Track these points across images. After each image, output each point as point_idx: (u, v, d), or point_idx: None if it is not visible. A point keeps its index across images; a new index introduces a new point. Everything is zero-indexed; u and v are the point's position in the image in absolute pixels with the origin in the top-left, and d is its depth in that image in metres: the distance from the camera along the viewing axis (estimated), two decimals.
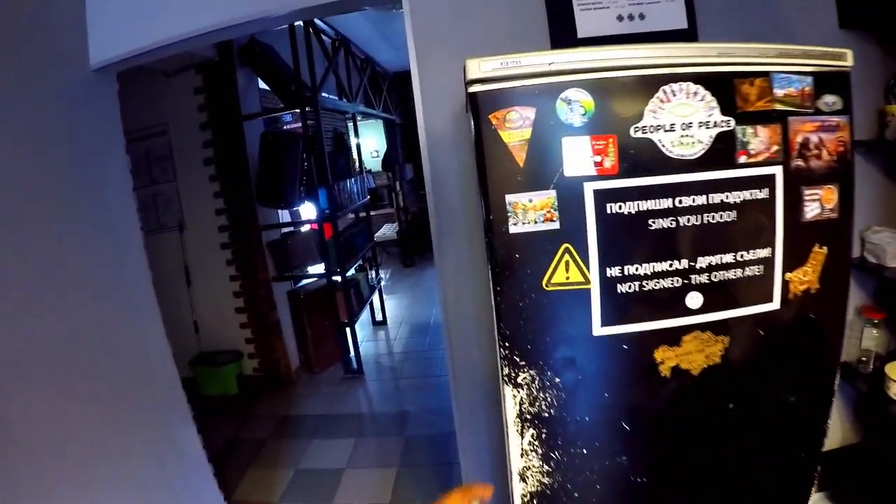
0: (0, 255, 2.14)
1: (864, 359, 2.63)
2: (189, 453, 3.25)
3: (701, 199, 1.56)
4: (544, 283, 1.55)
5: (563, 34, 2.46)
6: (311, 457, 4.54)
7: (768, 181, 1.58)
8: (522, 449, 1.62)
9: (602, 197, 1.54)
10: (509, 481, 1.68)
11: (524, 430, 1.64)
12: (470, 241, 2.60)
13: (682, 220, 1.56)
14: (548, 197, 1.52)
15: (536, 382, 1.59)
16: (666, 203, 1.54)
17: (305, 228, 6.45)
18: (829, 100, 1.58)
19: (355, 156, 8.22)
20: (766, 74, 1.55)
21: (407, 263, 10.76)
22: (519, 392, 1.57)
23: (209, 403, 5.60)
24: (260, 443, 4.81)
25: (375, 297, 7.49)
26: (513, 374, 1.58)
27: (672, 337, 1.62)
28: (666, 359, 1.60)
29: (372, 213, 8.86)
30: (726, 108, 1.54)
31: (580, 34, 2.47)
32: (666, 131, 1.52)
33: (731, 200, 1.57)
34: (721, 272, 1.60)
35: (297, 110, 5.57)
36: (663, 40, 2.41)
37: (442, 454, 4.22)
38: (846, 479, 2.76)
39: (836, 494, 2.81)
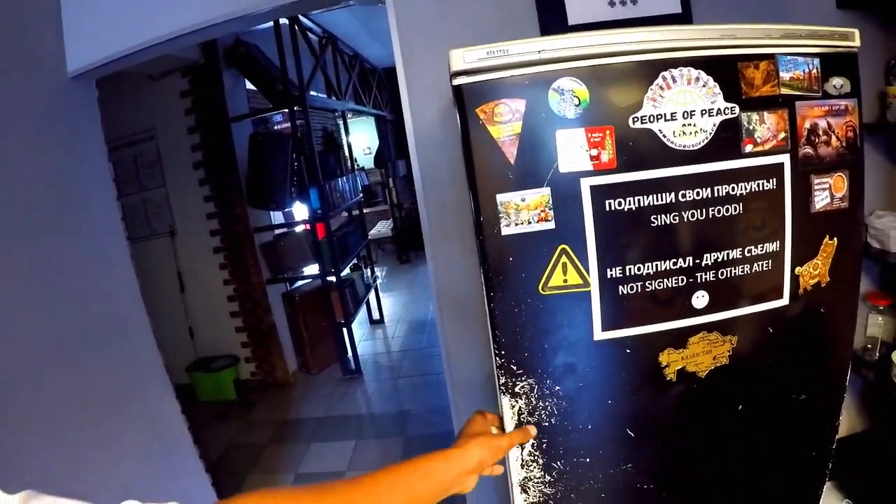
0: None
1: (869, 346, 2.58)
2: (185, 465, 3.20)
3: (705, 192, 1.45)
4: (541, 287, 1.45)
5: (552, 21, 2.39)
6: (311, 460, 4.51)
7: (776, 171, 1.48)
8: (523, 460, 1.56)
9: (600, 193, 1.42)
10: (510, 492, 1.62)
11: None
12: (462, 239, 2.54)
13: (686, 215, 1.45)
14: (541, 195, 1.41)
15: (535, 391, 1.51)
16: (668, 197, 1.44)
17: (299, 229, 6.39)
18: (837, 82, 1.50)
19: (346, 154, 8.16)
20: (771, 57, 1.45)
21: (403, 260, 10.74)
22: (517, 402, 1.49)
23: (207, 410, 5.58)
24: (259, 448, 4.77)
25: (372, 296, 7.46)
26: (510, 384, 1.50)
27: (678, 339, 1.53)
28: (671, 362, 1.51)
29: (366, 210, 8.83)
30: (730, 95, 1.43)
31: (571, 21, 2.40)
32: (667, 121, 1.41)
33: (737, 193, 1.47)
34: (728, 269, 1.50)
35: (286, 110, 5.51)
36: (656, 24, 2.36)
37: None
38: (853, 467, 2.71)
39: (844, 483, 2.77)
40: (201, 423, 5.07)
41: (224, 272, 5.77)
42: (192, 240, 5.72)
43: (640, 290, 1.48)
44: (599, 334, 1.51)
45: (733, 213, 1.48)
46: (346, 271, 6.31)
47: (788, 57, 1.45)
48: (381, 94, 9.70)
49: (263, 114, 6.07)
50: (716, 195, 1.46)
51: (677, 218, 1.45)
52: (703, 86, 1.41)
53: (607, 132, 1.41)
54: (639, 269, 1.48)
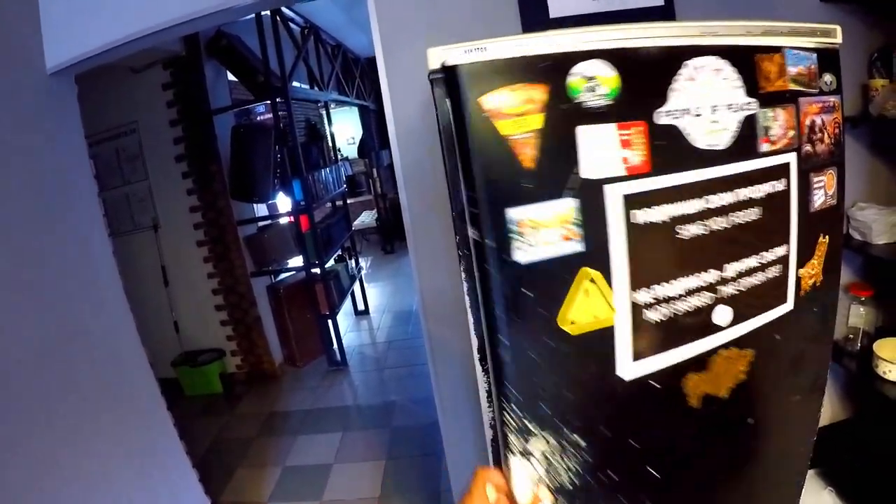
0: None
1: (851, 336, 2.61)
2: (171, 461, 3.19)
3: (728, 197, 1.31)
4: (563, 323, 1.23)
5: (534, 14, 2.38)
6: (298, 453, 4.51)
7: (785, 170, 1.40)
8: None
9: (632, 202, 1.22)
10: None
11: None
12: (446, 235, 2.53)
13: (712, 224, 1.30)
14: (566, 208, 1.19)
15: (554, 448, 1.30)
16: (698, 204, 1.28)
17: (283, 221, 6.38)
18: (828, 79, 1.49)
19: (330, 144, 8.13)
20: (779, 50, 1.39)
21: (387, 250, 10.74)
22: (531, 461, 1.32)
23: (193, 404, 5.58)
24: (246, 442, 4.77)
25: (357, 287, 7.48)
26: (521, 442, 1.29)
27: (700, 361, 1.39)
28: (694, 387, 1.41)
29: (350, 200, 8.81)
30: (749, 89, 1.32)
31: (552, 14, 2.39)
32: (694, 116, 1.27)
33: (757, 196, 1.35)
34: (747, 279, 1.39)
35: (268, 102, 5.49)
36: (639, 18, 2.36)
37: (429, 444, 4.19)
38: (836, 456, 2.74)
39: (827, 471, 2.80)
40: (188, 418, 5.05)
41: (208, 265, 5.75)
42: (176, 233, 5.70)
43: (669, 314, 1.32)
44: (627, 371, 1.32)
45: (752, 217, 1.37)
46: (331, 263, 6.30)
47: (794, 51, 1.40)
48: (365, 84, 9.67)
49: (246, 105, 6.03)
50: (738, 199, 1.34)
51: (704, 227, 1.31)
52: (725, 78, 1.32)
53: (640, 129, 1.24)
54: (667, 289, 1.31)
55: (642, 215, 1.23)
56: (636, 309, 1.27)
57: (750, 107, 1.34)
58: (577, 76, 1.21)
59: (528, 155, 1.17)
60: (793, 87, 1.41)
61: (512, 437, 1.30)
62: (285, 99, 5.34)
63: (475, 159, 1.19)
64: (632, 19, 2.32)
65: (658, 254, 1.28)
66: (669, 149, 1.25)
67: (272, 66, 5.35)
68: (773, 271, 1.43)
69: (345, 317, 7.34)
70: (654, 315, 1.29)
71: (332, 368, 6.02)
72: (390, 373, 5.81)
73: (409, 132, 2.50)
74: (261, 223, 6.25)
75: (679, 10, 2.39)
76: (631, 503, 1.43)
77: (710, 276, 1.34)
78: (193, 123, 5.43)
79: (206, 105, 5.41)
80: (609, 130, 1.20)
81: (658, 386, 1.34)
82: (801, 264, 1.48)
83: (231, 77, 5.88)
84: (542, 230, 1.19)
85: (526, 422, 1.28)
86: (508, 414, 1.29)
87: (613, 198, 1.21)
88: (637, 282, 1.26)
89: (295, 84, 5.79)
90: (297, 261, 6.21)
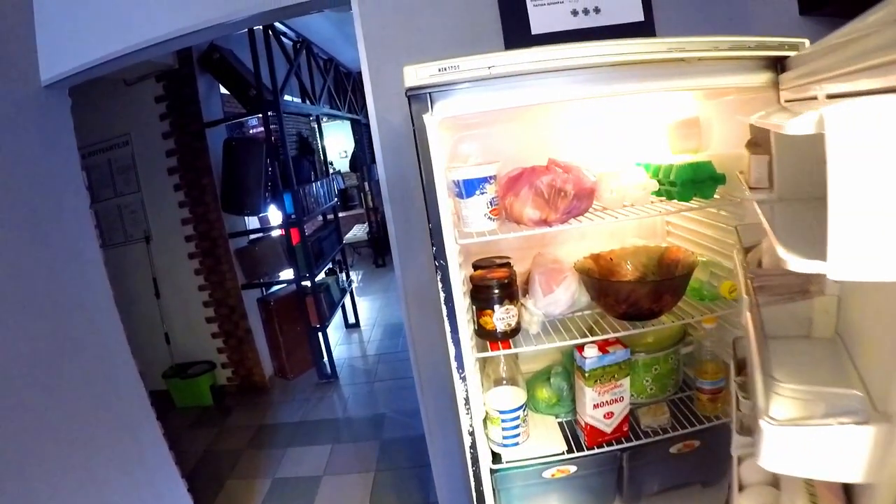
0: None
1: None
2: (161, 472, 3.20)
3: None
4: None
5: (516, 32, 2.43)
6: (288, 465, 4.51)
7: None
8: None
9: None
10: None
11: None
12: (429, 248, 2.57)
13: None
14: None
15: None
16: None
17: (274, 234, 6.38)
18: None
19: (321, 158, 8.16)
20: None
21: (378, 264, 10.72)
22: None
23: (184, 416, 5.56)
24: (236, 453, 4.76)
25: (347, 300, 7.45)
26: None
27: None
28: None
29: (342, 213, 8.83)
30: None
31: (534, 31, 2.43)
32: None
33: None
34: None
35: (260, 115, 5.52)
36: (619, 34, 2.41)
37: (418, 456, 4.19)
38: None
39: None
40: (179, 430, 5.07)
41: (199, 278, 5.75)
42: (168, 245, 5.69)
43: None
44: None
45: None
46: (322, 276, 6.32)
47: None
48: (357, 97, 9.68)
49: (238, 119, 6.06)
50: None
51: None
52: None
53: None
54: None
55: None
56: None
57: None
58: None
59: None
60: None
61: None
62: (277, 112, 5.36)
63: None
64: (612, 35, 2.37)
65: None
66: None
67: (264, 80, 5.38)
68: None
69: (335, 330, 7.32)
70: None
71: (322, 381, 6.00)
72: (380, 385, 5.80)
73: (394, 147, 2.54)
74: (252, 236, 6.22)
75: (659, 26, 2.44)
76: None
77: None
78: (186, 136, 5.44)
79: (199, 118, 5.41)
80: None
81: None
82: None
83: (223, 90, 5.90)
84: None
85: None
86: None
87: None
88: None
89: (287, 98, 5.82)
90: (287, 274, 6.18)
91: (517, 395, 2.04)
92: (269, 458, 4.64)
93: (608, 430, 2.07)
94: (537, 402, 2.31)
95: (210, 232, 5.63)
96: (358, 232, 11.00)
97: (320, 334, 5.93)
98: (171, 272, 5.76)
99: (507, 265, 2.01)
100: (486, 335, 1.96)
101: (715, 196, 1.97)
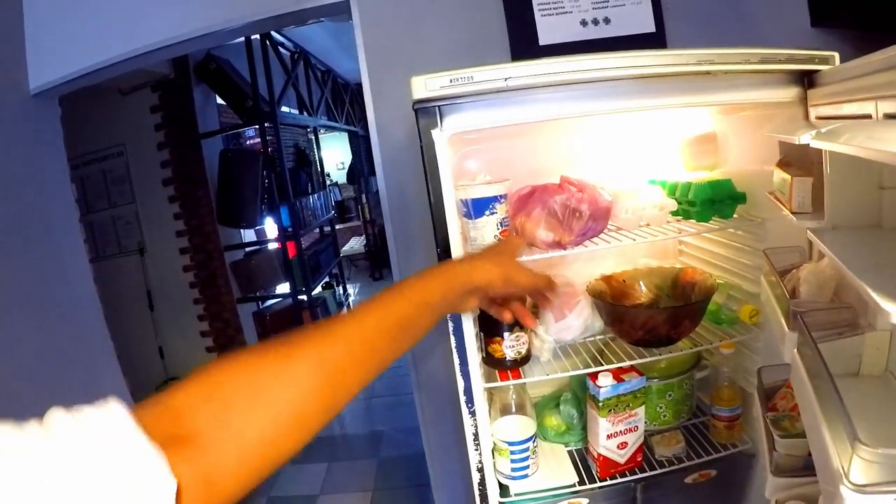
0: None
1: None
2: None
3: None
4: None
5: (523, 42, 2.36)
6: (283, 484, 4.44)
7: None
8: None
9: None
10: None
11: None
12: (428, 257, 2.50)
13: None
14: None
15: None
16: None
17: (270, 247, 6.32)
18: None
19: (318, 170, 8.10)
20: None
21: (375, 277, 10.68)
22: None
23: None
24: None
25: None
26: None
27: None
28: None
29: (339, 226, 8.77)
30: None
31: (542, 41, 2.36)
32: None
33: None
34: None
35: (257, 126, 5.45)
36: (630, 45, 2.32)
37: (416, 475, 4.11)
38: None
39: None
40: None
41: (194, 291, 5.66)
42: (162, 257, 5.60)
43: None
44: None
45: None
46: (318, 289, 6.25)
47: None
48: (354, 109, 9.64)
49: (234, 130, 5.99)
50: None
51: None
52: None
53: None
54: None
55: None
56: None
57: None
58: None
59: None
60: None
61: None
62: (274, 124, 5.32)
63: None
64: (622, 46, 2.29)
65: None
66: None
67: (261, 91, 5.33)
68: None
69: None
70: None
71: None
72: (378, 402, 5.74)
73: (395, 160, 2.48)
74: (248, 249, 6.18)
75: (670, 38, 2.36)
76: None
77: None
78: (181, 147, 5.36)
79: (195, 128, 5.35)
80: None
81: None
82: None
83: (220, 101, 5.84)
84: None
85: None
86: None
87: None
88: None
89: (284, 109, 5.77)
90: (284, 287, 6.13)
91: (526, 426, 1.94)
92: None
93: (622, 460, 1.97)
94: (546, 430, 2.21)
95: (205, 244, 5.55)
96: (355, 244, 10.97)
97: None
98: (166, 285, 5.66)
99: None
100: (494, 364, 1.86)
101: (734, 216, 1.88)
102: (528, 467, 1.95)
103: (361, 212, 10.90)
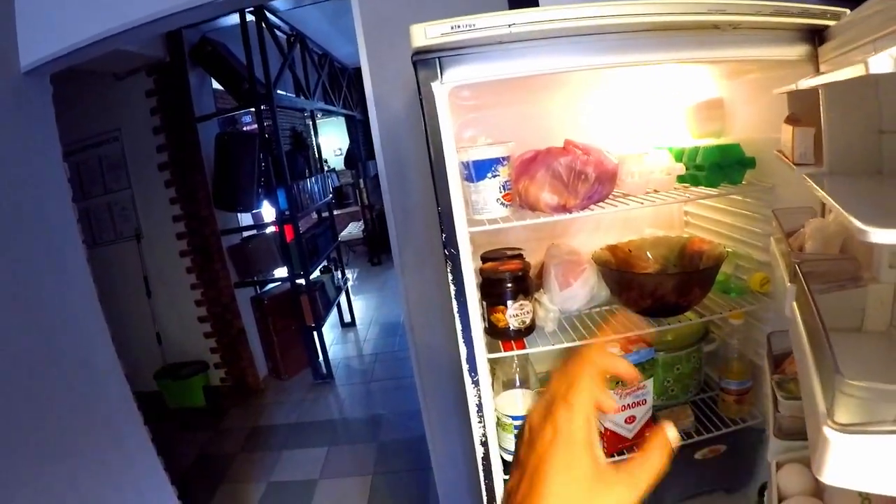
0: None
1: None
2: (148, 478, 3.07)
3: None
4: None
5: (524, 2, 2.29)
6: (283, 469, 4.43)
7: None
8: None
9: None
10: None
11: None
12: (430, 241, 2.46)
13: None
14: None
15: None
16: None
17: (268, 231, 6.28)
18: None
19: (316, 154, 8.06)
20: None
21: (374, 262, 10.67)
22: None
23: (176, 417, 5.49)
24: (230, 457, 4.68)
25: (343, 298, 7.37)
26: None
27: None
28: None
29: (337, 211, 8.74)
30: None
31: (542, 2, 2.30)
32: None
33: None
34: None
35: (253, 109, 5.40)
36: None
37: (417, 459, 4.11)
38: None
39: None
40: (171, 432, 4.96)
41: (191, 276, 5.65)
42: (159, 243, 5.59)
43: None
44: None
45: None
46: (316, 274, 6.22)
47: None
48: (352, 93, 9.61)
49: (229, 113, 5.94)
50: None
51: None
52: None
53: None
54: None
55: None
56: None
57: None
58: None
59: None
60: None
61: None
62: (270, 106, 5.27)
63: None
64: None
65: None
66: None
67: (257, 74, 5.28)
68: None
69: (330, 329, 7.25)
70: None
71: (317, 381, 5.93)
72: (377, 385, 5.73)
73: (394, 135, 2.43)
74: (245, 233, 6.15)
75: None
76: None
77: None
78: (177, 131, 5.33)
79: (191, 112, 5.32)
80: None
81: None
82: None
83: (216, 85, 5.79)
84: None
85: None
86: None
87: None
88: None
89: (280, 92, 5.71)
90: (281, 271, 6.12)
91: (531, 400, 1.90)
92: (264, 461, 4.55)
93: (629, 435, 1.92)
94: None
95: (202, 229, 5.53)
96: (353, 229, 10.95)
97: (315, 333, 5.86)
98: (163, 270, 5.66)
99: (520, 257, 1.86)
100: (498, 334, 1.80)
101: (744, 182, 1.83)
102: None
103: (359, 196, 10.87)
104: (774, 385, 1.39)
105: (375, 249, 10.65)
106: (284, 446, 4.74)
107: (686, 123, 2.15)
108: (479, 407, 1.69)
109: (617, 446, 1.93)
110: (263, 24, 5.35)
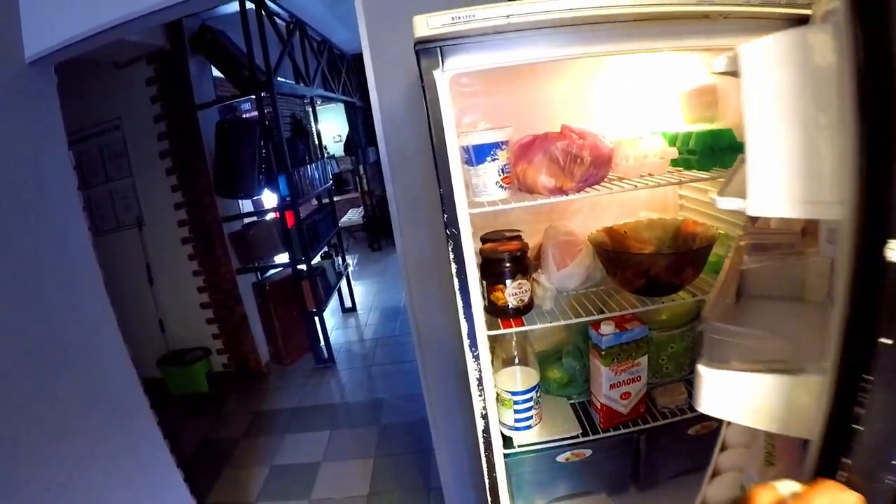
0: None
1: None
2: (155, 461, 3.13)
3: None
4: None
5: None
6: (286, 452, 4.47)
7: None
8: None
9: None
10: None
11: None
12: (432, 222, 2.48)
13: None
14: None
15: None
16: None
17: (269, 217, 6.30)
18: None
19: (316, 141, 8.07)
20: None
21: (374, 248, 10.70)
22: None
23: (179, 403, 5.52)
24: (233, 441, 4.72)
25: (343, 284, 7.41)
26: None
27: None
28: None
29: (337, 198, 8.76)
30: None
31: None
32: None
33: None
34: None
35: (253, 97, 5.42)
36: None
37: (418, 441, 4.17)
38: None
39: None
40: (174, 418, 4.99)
41: (193, 263, 5.69)
42: (160, 231, 5.62)
43: None
44: None
45: None
46: (317, 259, 6.26)
47: None
48: (351, 80, 9.60)
49: (230, 101, 5.95)
50: None
51: None
52: None
53: None
54: None
55: None
56: None
57: None
58: None
59: None
60: None
61: None
62: (270, 93, 5.27)
63: None
64: None
65: None
66: None
67: (257, 61, 5.28)
68: None
69: (332, 314, 7.30)
70: None
71: (319, 366, 5.97)
72: (378, 370, 5.76)
73: (395, 121, 2.44)
74: (246, 220, 6.17)
75: None
76: None
77: None
78: (178, 119, 5.35)
79: (191, 100, 5.33)
80: None
81: None
82: None
83: (216, 73, 5.81)
84: None
85: None
86: None
87: None
88: None
89: (280, 79, 5.73)
90: (283, 257, 6.13)
91: (529, 376, 1.96)
92: (267, 445, 4.59)
93: (625, 410, 1.99)
94: (548, 383, 2.23)
95: (203, 216, 5.56)
96: (353, 216, 10.95)
97: (317, 319, 5.89)
98: (165, 258, 5.69)
99: (519, 238, 1.91)
100: (497, 312, 1.87)
101: None
102: (531, 418, 1.97)
103: (359, 183, 10.89)
104: None
105: (375, 235, 10.69)
106: (287, 430, 4.78)
107: (680, 109, 2.20)
108: (480, 381, 1.74)
109: (613, 421, 2.00)
110: (263, 12, 5.35)
